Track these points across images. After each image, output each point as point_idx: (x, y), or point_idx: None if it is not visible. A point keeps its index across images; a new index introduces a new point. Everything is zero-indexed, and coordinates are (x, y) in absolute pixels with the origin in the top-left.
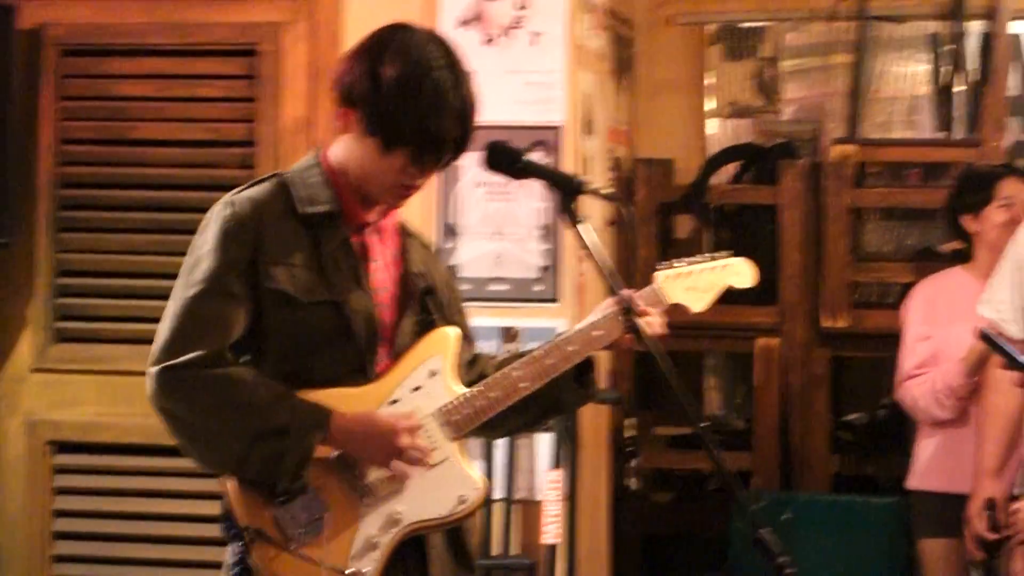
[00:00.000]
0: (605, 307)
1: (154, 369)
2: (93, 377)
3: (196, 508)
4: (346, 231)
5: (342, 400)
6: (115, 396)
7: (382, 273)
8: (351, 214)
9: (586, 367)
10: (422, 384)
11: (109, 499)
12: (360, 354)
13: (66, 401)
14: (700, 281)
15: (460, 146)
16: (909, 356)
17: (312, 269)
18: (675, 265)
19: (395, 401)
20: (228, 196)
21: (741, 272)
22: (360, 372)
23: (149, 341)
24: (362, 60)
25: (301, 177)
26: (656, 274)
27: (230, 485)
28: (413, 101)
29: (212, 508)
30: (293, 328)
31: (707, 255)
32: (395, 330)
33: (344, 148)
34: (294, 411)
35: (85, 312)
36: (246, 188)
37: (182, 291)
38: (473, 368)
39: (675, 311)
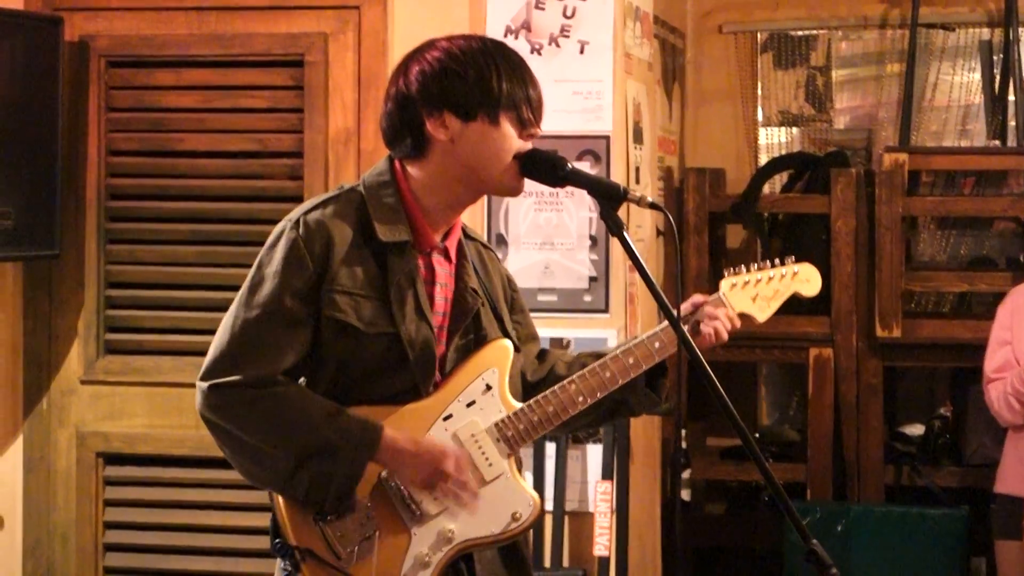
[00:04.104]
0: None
1: (204, 384)
2: (142, 388)
3: (246, 520)
4: (416, 258)
5: (397, 417)
6: (164, 408)
7: (440, 296)
8: (423, 238)
9: (660, 372)
10: (476, 399)
11: (159, 511)
12: (414, 380)
13: (115, 413)
14: (766, 290)
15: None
16: (989, 360)
17: (377, 299)
18: (741, 273)
19: (449, 416)
20: (300, 212)
21: (811, 279)
22: (414, 392)
23: (196, 353)
24: (422, 66)
25: (377, 195)
26: (722, 282)
27: (280, 502)
28: (490, 64)
29: (261, 520)
30: (351, 356)
31: (773, 261)
32: (446, 352)
33: (439, 158)
34: (344, 430)
35: (133, 324)
36: (320, 204)
37: (242, 310)
38: (543, 364)
39: (740, 321)
